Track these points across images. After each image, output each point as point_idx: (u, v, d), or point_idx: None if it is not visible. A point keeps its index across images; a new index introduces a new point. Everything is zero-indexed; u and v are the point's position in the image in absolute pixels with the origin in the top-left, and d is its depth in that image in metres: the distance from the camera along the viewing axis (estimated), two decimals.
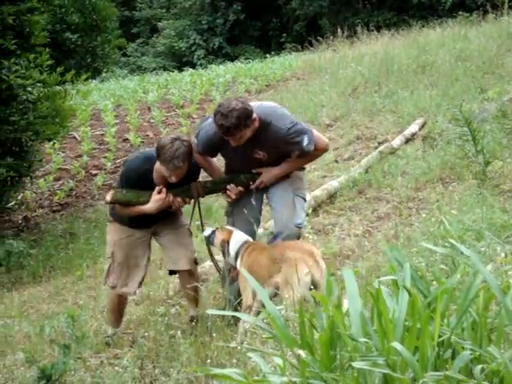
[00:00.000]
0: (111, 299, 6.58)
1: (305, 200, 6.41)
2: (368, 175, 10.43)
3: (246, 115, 5.68)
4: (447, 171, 9.39)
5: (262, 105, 6.14)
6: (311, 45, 25.43)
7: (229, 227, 6.17)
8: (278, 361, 3.27)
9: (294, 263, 5.26)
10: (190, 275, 6.40)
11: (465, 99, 12.13)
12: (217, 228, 6.25)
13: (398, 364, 2.88)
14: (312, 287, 5.26)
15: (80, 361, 5.69)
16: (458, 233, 5.75)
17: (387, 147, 11.54)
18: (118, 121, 20.44)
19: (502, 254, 5.05)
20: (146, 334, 5.97)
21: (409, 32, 22.50)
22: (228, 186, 6.14)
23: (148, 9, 46.13)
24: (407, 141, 11.91)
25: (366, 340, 2.97)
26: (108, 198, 6.05)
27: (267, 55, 32.44)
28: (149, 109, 21.70)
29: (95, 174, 16.28)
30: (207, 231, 6.23)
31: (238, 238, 6.05)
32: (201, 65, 36.31)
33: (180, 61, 39.56)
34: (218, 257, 6.54)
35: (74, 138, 19.05)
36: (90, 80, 16.61)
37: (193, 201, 6.23)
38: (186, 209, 6.55)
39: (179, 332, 5.56)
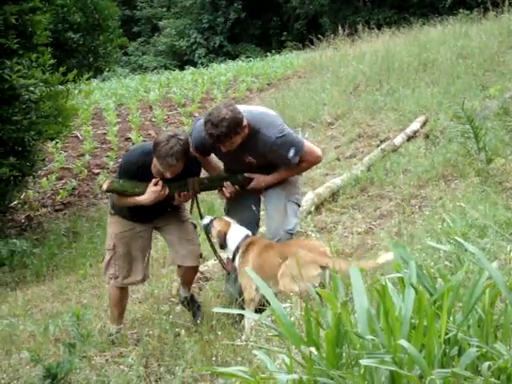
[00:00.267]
0: (112, 292, 6.59)
1: (298, 205, 6.42)
2: (370, 173, 10.43)
3: (235, 124, 5.68)
4: (449, 169, 9.38)
5: (252, 111, 6.09)
6: (312, 43, 25.42)
7: (227, 219, 6.20)
8: (285, 359, 3.29)
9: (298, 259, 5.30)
10: (193, 269, 6.51)
11: (466, 97, 12.12)
12: (215, 218, 6.28)
13: (405, 361, 2.89)
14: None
15: (85, 359, 5.70)
16: (462, 230, 5.75)
17: (389, 145, 11.55)
18: (119, 120, 20.48)
19: (508, 251, 5.05)
20: (151, 332, 5.97)
21: (409, 30, 22.52)
22: (224, 184, 6.16)
23: (149, 8, 46.18)
24: (409, 138, 11.92)
25: (373, 337, 2.98)
26: (104, 186, 6.08)
27: (268, 54, 32.52)
28: (150, 108, 21.72)
29: (97, 173, 16.29)
30: (206, 219, 6.29)
31: (239, 231, 6.09)
32: (202, 63, 36.38)
33: (181, 60, 39.62)
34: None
35: (77, 137, 19.07)
36: (91, 79, 16.61)
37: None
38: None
39: (183, 330, 5.59)
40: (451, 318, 3.13)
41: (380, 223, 8.59)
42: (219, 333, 5.37)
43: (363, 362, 2.83)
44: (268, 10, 40.38)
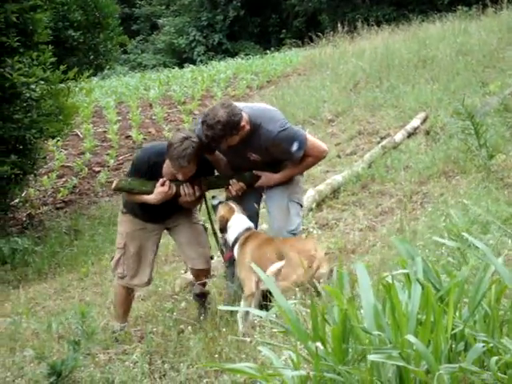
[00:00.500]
0: (119, 291, 6.62)
1: (301, 205, 6.39)
2: (371, 170, 10.45)
3: (231, 126, 5.69)
4: (450, 165, 9.39)
5: (253, 107, 6.11)
6: (311, 40, 25.42)
7: (233, 204, 6.18)
8: (291, 355, 3.30)
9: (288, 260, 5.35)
10: (204, 271, 6.52)
11: (466, 93, 12.13)
12: (220, 202, 6.29)
13: (412, 357, 2.91)
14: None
15: (89, 357, 5.72)
16: (465, 226, 5.77)
17: (390, 142, 11.56)
18: (120, 118, 20.47)
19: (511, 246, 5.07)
20: (155, 329, 5.98)
21: (409, 27, 22.53)
22: (230, 182, 6.17)
23: (148, 6, 46.11)
24: (409, 135, 11.93)
25: (380, 333, 3.00)
26: (113, 185, 6.16)
27: (267, 51, 32.49)
28: (150, 105, 21.73)
29: (98, 171, 16.31)
30: (215, 200, 6.31)
31: (240, 222, 6.09)
32: (201, 61, 36.34)
33: (180, 57, 39.58)
34: None
35: (77, 135, 19.06)
36: (91, 77, 16.62)
37: (198, 194, 6.24)
38: None
39: (190, 327, 5.60)
40: (457, 314, 3.15)
41: (381, 220, 8.61)
42: (223, 329, 5.39)
43: (371, 357, 2.85)
44: (267, 7, 40.39)
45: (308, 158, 6.12)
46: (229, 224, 6.08)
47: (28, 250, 11.41)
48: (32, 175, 13.71)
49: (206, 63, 32.92)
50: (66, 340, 6.07)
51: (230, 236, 6.07)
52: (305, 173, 6.73)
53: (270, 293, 5.40)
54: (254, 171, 6.15)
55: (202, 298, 6.46)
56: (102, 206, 14.12)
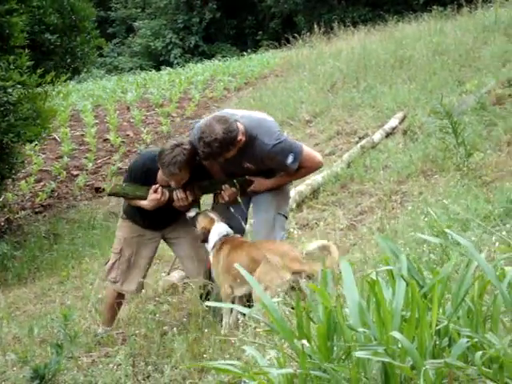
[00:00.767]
0: (110, 296, 6.65)
1: (286, 218, 6.41)
2: (350, 170, 10.49)
3: (228, 142, 5.69)
4: (429, 164, 9.44)
5: (250, 117, 6.05)
6: (288, 42, 25.42)
7: (212, 215, 6.17)
8: (276, 353, 3.31)
9: (270, 264, 5.35)
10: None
11: (443, 92, 12.17)
12: (200, 212, 6.28)
13: (397, 353, 2.93)
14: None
15: (72, 360, 5.71)
16: (445, 224, 5.80)
17: (368, 142, 11.60)
18: (97, 121, 20.43)
19: (492, 243, 5.10)
20: (137, 331, 5.97)
21: (385, 27, 22.54)
22: (223, 187, 6.14)
23: (123, 9, 45.94)
24: (387, 135, 11.98)
25: (365, 330, 3.02)
26: (108, 189, 6.20)
27: (244, 53, 32.51)
28: (128, 108, 21.70)
29: (76, 175, 16.25)
30: (192, 212, 6.26)
31: (220, 230, 6.08)
32: (178, 64, 36.30)
33: (157, 60, 39.52)
34: None
35: (54, 139, 18.97)
36: (68, 81, 16.53)
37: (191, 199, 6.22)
38: None
39: (175, 329, 5.60)
40: (441, 310, 3.17)
41: (361, 219, 8.65)
42: (206, 330, 5.39)
43: (357, 353, 2.87)
44: (243, 9, 40.41)
45: (302, 169, 6.12)
46: (210, 234, 6.08)
47: (7, 255, 11.36)
48: (10, 180, 13.63)
49: (183, 65, 32.92)
50: (48, 344, 6.07)
51: (210, 243, 6.08)
52: None
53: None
54: (247, 176, 6.13)
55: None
56: (80, 210, 14.09)
